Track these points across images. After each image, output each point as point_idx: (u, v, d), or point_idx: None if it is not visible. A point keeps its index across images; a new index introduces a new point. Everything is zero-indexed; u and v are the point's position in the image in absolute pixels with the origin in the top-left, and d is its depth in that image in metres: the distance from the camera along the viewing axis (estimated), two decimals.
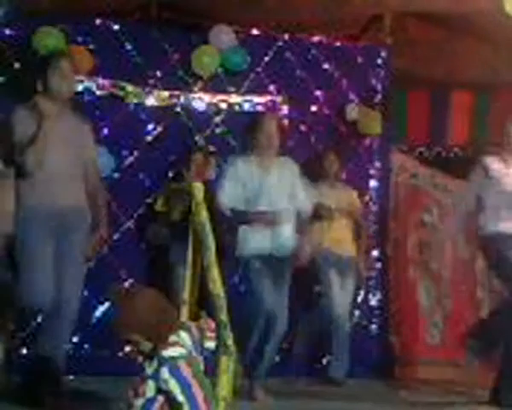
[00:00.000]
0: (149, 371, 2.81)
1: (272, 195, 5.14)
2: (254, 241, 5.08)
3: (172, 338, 2.84)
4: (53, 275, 4.24)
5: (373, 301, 6.80)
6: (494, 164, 5.33)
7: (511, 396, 4.93)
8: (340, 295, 6.22)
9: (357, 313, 6.73)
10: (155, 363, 2.80)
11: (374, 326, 6.78)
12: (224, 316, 3.04)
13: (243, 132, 5.48)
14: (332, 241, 6.28)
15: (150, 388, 2.80)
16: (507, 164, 5.34)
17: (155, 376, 2.78)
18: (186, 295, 3.29)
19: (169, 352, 2.78)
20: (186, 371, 2.75)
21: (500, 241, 5.18)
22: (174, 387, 2.73)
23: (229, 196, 5.14)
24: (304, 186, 5.33)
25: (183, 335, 2.89)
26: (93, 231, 4.49)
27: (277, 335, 5.05)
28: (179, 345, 2.83)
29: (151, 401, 2.79)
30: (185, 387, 2.73)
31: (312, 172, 6.18)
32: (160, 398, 2.78)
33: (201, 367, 2.94)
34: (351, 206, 6.43)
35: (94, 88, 6.31)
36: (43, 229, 4.26)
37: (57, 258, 4.29)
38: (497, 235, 5.19)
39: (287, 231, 5.15)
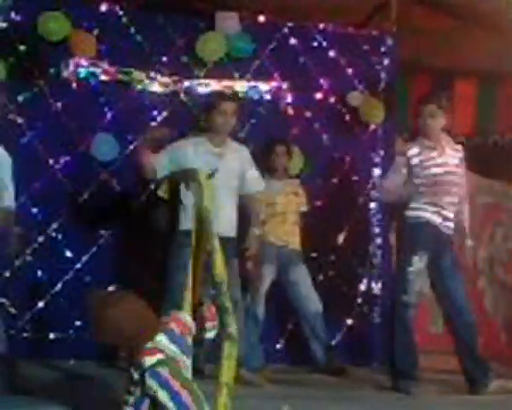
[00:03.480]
0: (135, 375, 2.88)
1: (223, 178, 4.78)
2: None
3: (149, 345, 2.87)
4: None
5: (375, 290, 6.80)
6: (417, 151, 5.21)
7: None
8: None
9: (359, 301, 6.74)
10: (140, 370, 2.84)
11: (376, 315, 6.78)
12: (227, 302, 3.05)
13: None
14: (277, 235, 6.01)
15: (137, 391, 2.89)
16: (430, 150, 5.22)
17: (141, 382, 2.86)
18: (189, 280, 3.30)
19: (148, 360, 2.83)
20: (165, 375, 2.80)
21: (419, 230, 5.15)
22: (160, 392, 2.79)
23: (161, 164, 5.12)
24: (255, 170, 5.29)
25: (161, 338, 2.92)
26: None
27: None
28: (157, 351, 2.86)
29: (141, 399, 2.88)
30: (168, 389, 2.79)
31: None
32: (147, 399, 2.86)
33: (188, 363, 2.98)
34: (299, 203, 6.18)
35: (98, 73, 6.29)
36: None
37: None
38: (418, 223, 5.17)
39: (229, 212, 5.10)
